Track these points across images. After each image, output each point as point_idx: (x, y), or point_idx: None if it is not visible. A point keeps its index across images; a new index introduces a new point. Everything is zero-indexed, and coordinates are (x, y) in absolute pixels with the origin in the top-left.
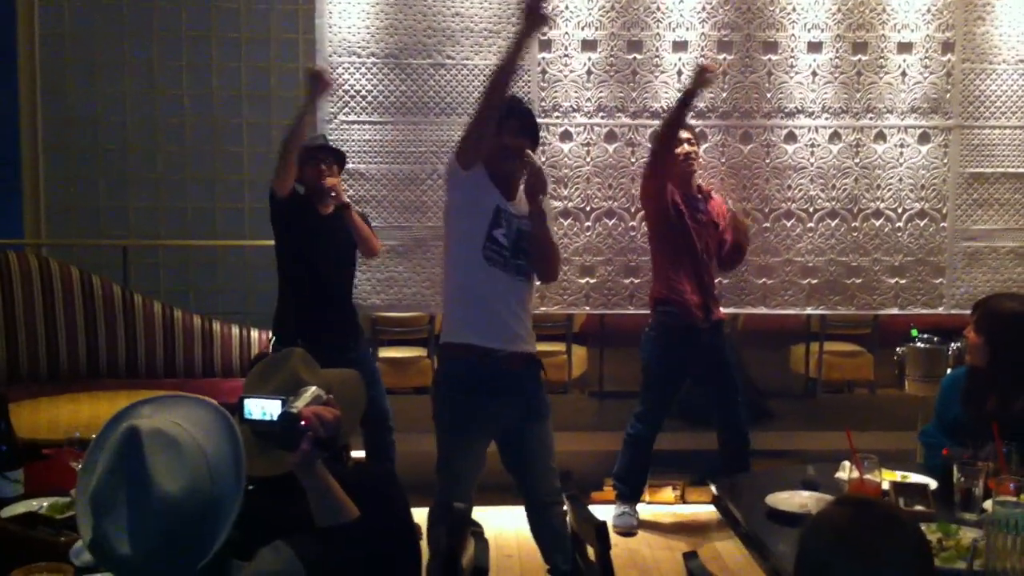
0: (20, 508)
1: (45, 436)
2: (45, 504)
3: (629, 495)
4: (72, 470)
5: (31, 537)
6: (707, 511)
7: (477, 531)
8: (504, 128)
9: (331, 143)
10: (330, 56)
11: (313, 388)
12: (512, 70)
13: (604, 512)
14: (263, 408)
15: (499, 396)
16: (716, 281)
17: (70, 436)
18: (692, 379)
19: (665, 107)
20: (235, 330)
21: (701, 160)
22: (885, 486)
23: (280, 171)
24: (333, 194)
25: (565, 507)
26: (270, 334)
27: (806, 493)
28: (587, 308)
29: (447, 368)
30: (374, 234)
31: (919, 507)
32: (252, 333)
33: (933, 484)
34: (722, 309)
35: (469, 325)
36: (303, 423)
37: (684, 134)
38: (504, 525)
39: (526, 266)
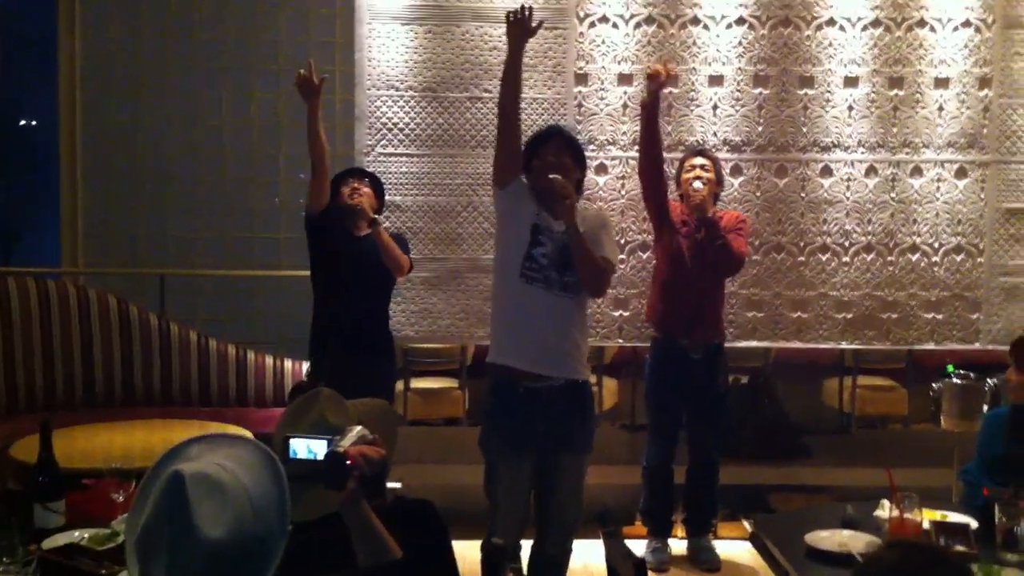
0: (61, 539)
1: (82, 464)
2: (86, 535)
3: (657, 530)
4: (112, 501)
5: (73, 568)
6: (741, 547)
7: (516, 568)
8: (547, 147)
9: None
10: (368, 89)
11: (358, 428)
12: (511, 77)
13: (636, 547)
14: (308, 447)
15: (535, 422)
16: (754, 314)
17: (110, 466)
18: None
19: (700, 141)
20: (269, 360)
21: (712, 186)
22: (925, 525)
23: (312, 186)
24: (359, 208)
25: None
26: (303, 364)
27: (846, 532)
28: (620, 340)
29: (489, 388)
30: (403, 255)
31: (960, 547)
32: (286, 363)
33: (974, 524)
34: (756, 343)
35: (510, 347)
36: (349, 462)
37: (697, 160)
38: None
39: (574, 282)
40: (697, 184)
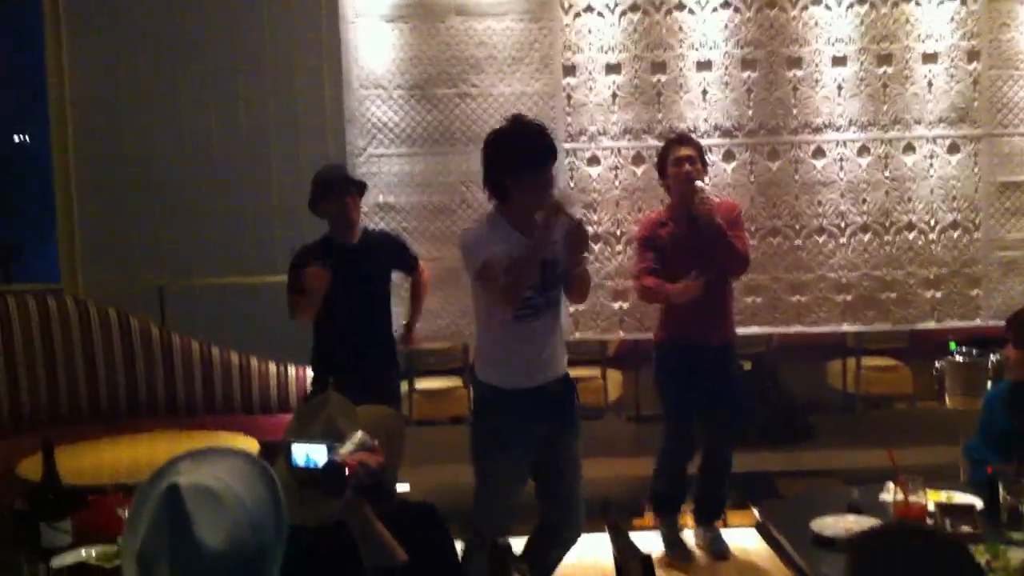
0: (70, 558)
1: (88, 481)
2: (94, 553)
3: (665, 511)
4: (118, 517)
5: None
6: (749, 533)
7: (521, 568)
8: (534, 172)
9: (358, 176)
10: (357, 89)
11: (359, 434)
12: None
13: (642, 539)
14: (309, 454)
15: (526, 421)
16: (753, 300)
17: (115, 482)
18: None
19: (691, 127)
20: (272, 366)
21: (705, 177)
22: (931, 507)
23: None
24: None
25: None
26: (307, 370)
27: (851, 517)
28: (621, 333)
29: (476, 396)
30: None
31: (965, 528)
32: (289, 369)
33: (979, 504)
34: (756, 328)
35: (499, 370)
36: (347, 471)
37: (685, 151)
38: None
39: (557, 294)
40: (700, 185)
